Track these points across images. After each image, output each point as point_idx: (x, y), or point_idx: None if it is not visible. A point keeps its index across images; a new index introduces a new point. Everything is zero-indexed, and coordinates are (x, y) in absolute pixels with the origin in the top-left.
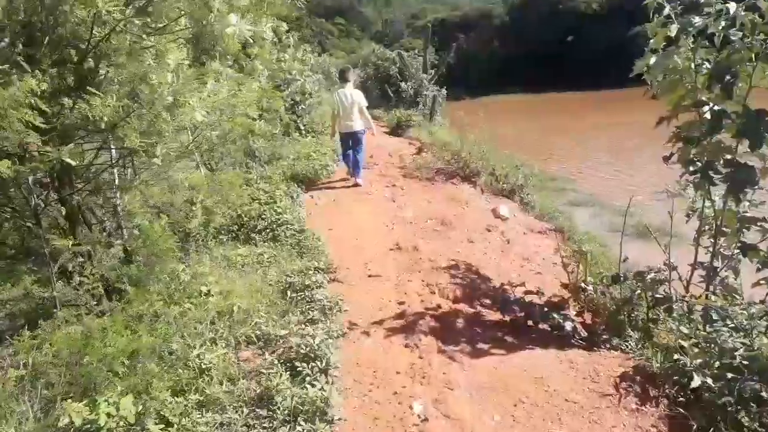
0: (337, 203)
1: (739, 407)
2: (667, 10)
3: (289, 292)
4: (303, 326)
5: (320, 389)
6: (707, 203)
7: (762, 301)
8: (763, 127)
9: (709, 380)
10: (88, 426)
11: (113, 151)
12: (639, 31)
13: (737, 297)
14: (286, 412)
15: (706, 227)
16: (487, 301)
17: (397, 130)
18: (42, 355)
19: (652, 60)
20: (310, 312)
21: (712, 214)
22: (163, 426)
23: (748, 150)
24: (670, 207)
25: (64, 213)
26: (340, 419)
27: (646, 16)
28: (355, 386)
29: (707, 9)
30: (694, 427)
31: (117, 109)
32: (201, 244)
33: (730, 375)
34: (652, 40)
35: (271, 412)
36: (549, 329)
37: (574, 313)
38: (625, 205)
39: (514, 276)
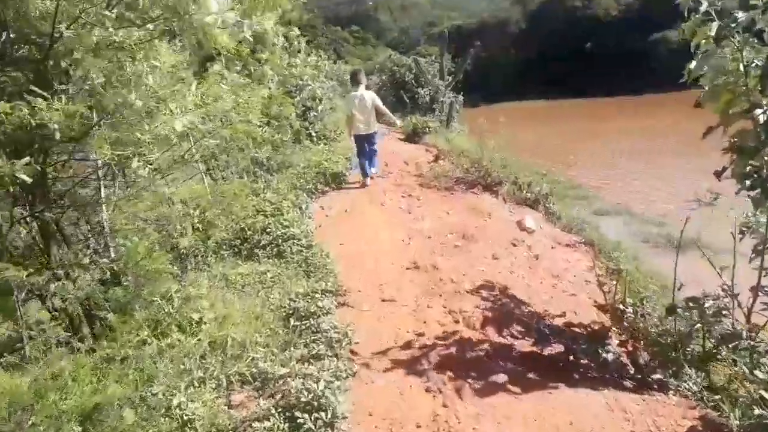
0: (349, 214)
1: None
2: (705, 6)
3: (292, 320)
4: (306, 364)
5: None
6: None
7: None
8: None
9: None
10: None
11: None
12: (658, 37)
13: None
14: None
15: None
16: (519, 329)
17: (413, 136)
18: None
19: (692, 64)
20: (315, 345)
21: None
22: None
23: None
24: (703, 216)
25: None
26: None
27: (665, 20)
28: None
29: (754, 1)
30: None
31: (73, 115)
32: (200, 260)
33: None
34: (693, 41)
35: None
36: (592, 364)
37: (617, 342)
38: (654, 214)
39: (545, 297)
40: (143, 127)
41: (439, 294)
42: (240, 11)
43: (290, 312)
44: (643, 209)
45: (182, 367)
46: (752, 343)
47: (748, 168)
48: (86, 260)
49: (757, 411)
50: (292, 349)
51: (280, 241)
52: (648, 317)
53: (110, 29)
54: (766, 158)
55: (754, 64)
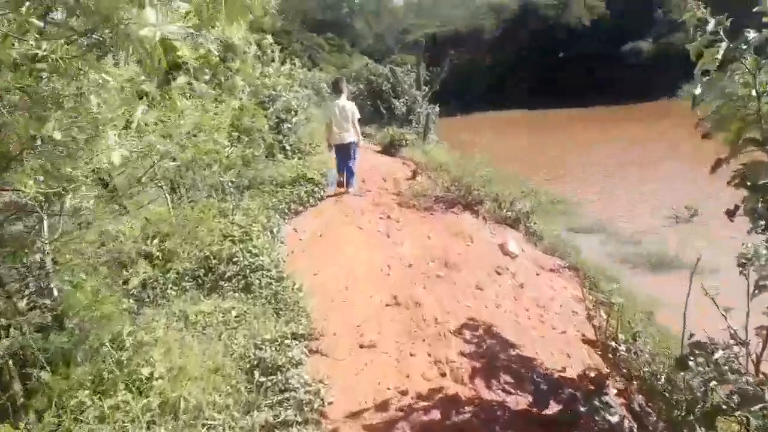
0: (324, 238)
1: None
2: (711, 26)
3: (257, 373)
4: None
5: None
6: None
7: None
8: None
9: None
10: None
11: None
12: (631, 47)
13: None
14: None
15: None
16: (510, 380)
17: (389, 149)
18: None
19: (698, 90)
20: (282, 408)
21: None
22: None
23: None
24: (682, 234)
25: None
26: None
27: (637, 31)
28: None
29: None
30: None
31: None
32: (159, 293)
33: None
34: (699, 62)
35: None
36: (595, 427)
37: (615, 391)
38: (633, 231)
39: (534, 335)
40: (75, 159)
41: (423, 338)
42: (197, 21)
43: (255, 363)
44: (622, 226)
45: None
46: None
47: (760, 204)
48: (22, 304)
49: None
50: (255, 412)
51: (248, 271)
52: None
53: (31, 42)
54: None
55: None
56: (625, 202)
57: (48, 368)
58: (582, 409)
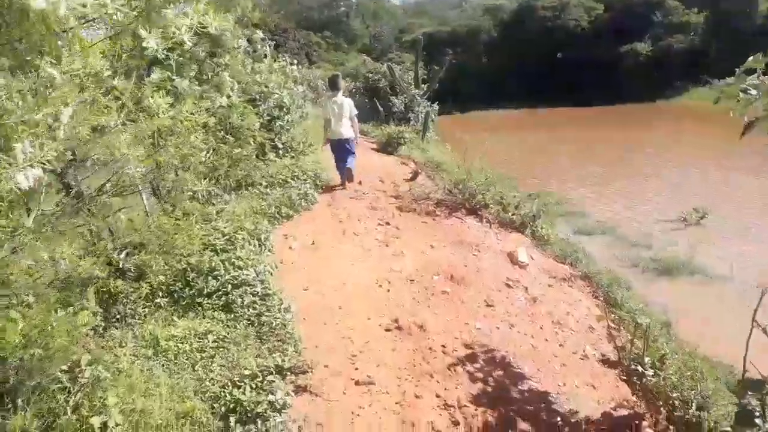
0: (316, 247)
1: None
2: None
3: (233, 420)
4: None
5: None
6: None
7: None
8: None
9: None
10: None
11: None
12: (628, 49)
13: None
14: None
15: None
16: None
17: (387, 147)
18: None
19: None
20: None
21: None
22: None
23: None
24: (692, 238)
25: None
26: None
27: (634, 32)
28: None
29: None
30: None
31: None
32: (129, 312)
33: None
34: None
35: None
36: None
37: None
38: (639, 234)
39: (553, 363)
40: None
41: (430, 374)
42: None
43: (232, 406)
44: (629, 228)
45: None
46: None
47: None
48: None
49: None
50: None
51: (229, 287)
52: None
53: None
54: None
55: None
56: (629, 204)
57: None
58: None
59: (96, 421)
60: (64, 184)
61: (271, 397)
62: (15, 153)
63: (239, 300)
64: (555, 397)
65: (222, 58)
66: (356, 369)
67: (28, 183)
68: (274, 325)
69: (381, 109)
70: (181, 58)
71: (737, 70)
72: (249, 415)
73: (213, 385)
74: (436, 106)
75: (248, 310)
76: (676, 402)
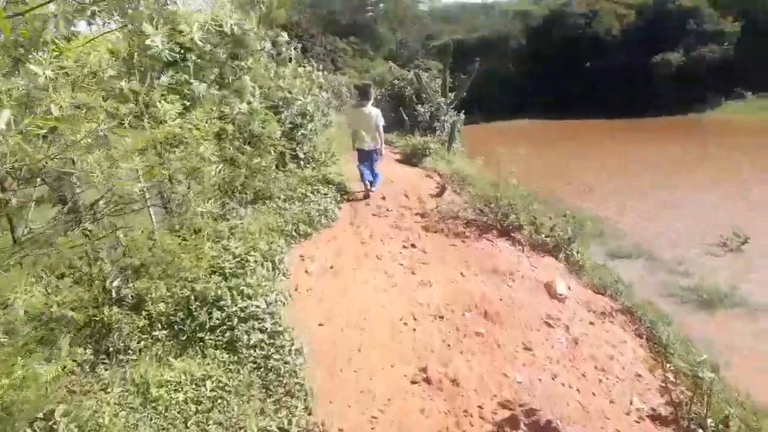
0: (335, 272)
1: None
2: None
3: None
4: None
5: None
6: None
7: None
8: None
9: None
10: None
11: None
12: (660, 59)
13: None
14: None
15: None
16: None
17: (411, 158)
18: None
19: None
20: None
21: None
22: None
23: None
24: (733, 265)
25: None
26: None
27: (667, 42)
28: None
29: None
30: None
31: None
32: (122, 346)
33: None
34: None
35: None
36: None
37: None
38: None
39: (605, 422)
40: None
41: None
42: None
43: None
44: (665, 252)
45: None
46: None
47: None
48: None
49: None
50: None
51: (236, 321)
52: None
53: None
54: None
55: None
56: (664, 224)
57: None
58: None
59: None
60: (60, 198)
61: None
62: None
63: (245, 337)
64: None
65: (244, 60)
66: None
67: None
68: (282, 371)
69: (406, 118)
70: (200, 60)
71: None
72: None
73: None
74: (462, 116)
75: (254, 351)
76: None
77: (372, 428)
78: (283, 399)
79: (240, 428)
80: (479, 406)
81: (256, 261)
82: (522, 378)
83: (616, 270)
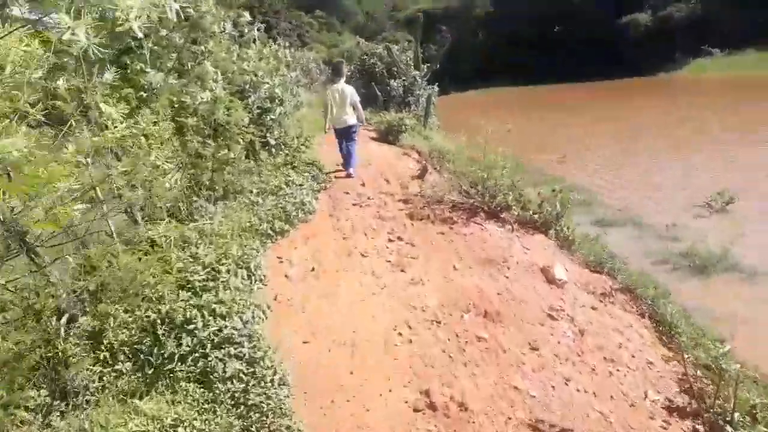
0: (317, 274)
1: None
2: None
3: None
4: None
5: None
6: None
7: None
8: None
9: None
10: None
11: None
12: (628, 20)
13: None
14: None
15: None
16: None
17: (387, 136)
18: None
19: None
20: None
21: None
22: None
23: None
24: (720, 226)
25: None
26: None
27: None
28: None
29: None
30: None
31: None
32: (82, 383)
33: None
34: None
35: None
36: None
37: None
38: (663, 224)
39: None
40: None
41: None
42: None
43: None
44: (651, 217)
45: None
46: None
47: None
48: None
49: None
50: None
51: (208, 347)
52: None
53: None
54: None
55: None
56: (645, 189)
57: None
58: None
59: None
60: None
61: None
62: None
63: (220, 367)
64: None
65: (204, 45)
66: None
67: None
68: (265, 409)
69: (379, 93)
70: (157, 47)
71: None
72: None
73: None
74: (436, 88)
75: (232, 384)
76: None
77: None
78: None
79: None
80: None
81: (228, 270)
82: (534, 390)
83: (605, 240)
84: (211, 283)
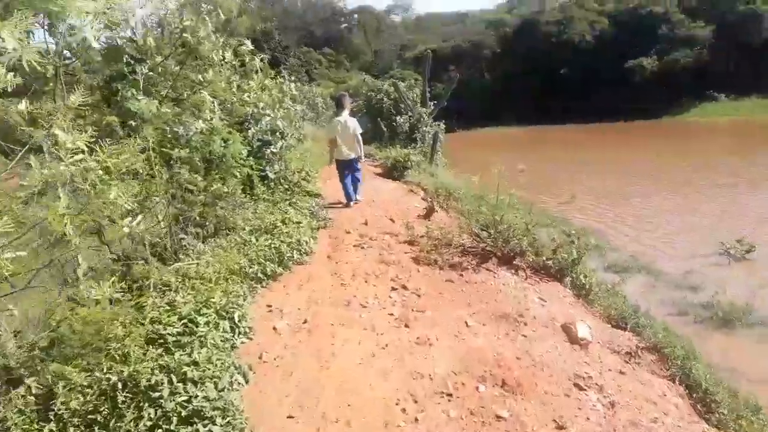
0: (310, 329)
1: None
2: None
3: None
4: None
5: None
6: None
7: None
8: None
9: None
10: None
11: None
12: (633, 64)
13: None
14: None
15: None
16: None
17: (392, 172)
18: None
19: None
20: None
21: None
22: None
23: None
24: (742, 276)
25: None
26: None
27: (640, 47)
28: None
29: None
30: None
31: None
32: None
33: None
34: None
35: None
36: None
37: None
38: (679, 271)
39: None
40: None
41: None
42: None
43: None
44: (666, 264)
45: None
46: None
47: None
48: None
49: None
50: None
51: (174, 421)
52: None
53: None
54: None
55: None
56: (655, 233)
57: None
58: None
59: None
60: None
61: None
62: None
63: None
64: None
65: (202, 73)
66: None
67: None
68: None
69: (385, 129)
70: (151, 73)
71: None
72: None
73: None
74: (443, 125)
75: None
76: None
77: None
78: None
79: None
80: None
81: (208, 322)
82: None
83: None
84: (186, 338)
